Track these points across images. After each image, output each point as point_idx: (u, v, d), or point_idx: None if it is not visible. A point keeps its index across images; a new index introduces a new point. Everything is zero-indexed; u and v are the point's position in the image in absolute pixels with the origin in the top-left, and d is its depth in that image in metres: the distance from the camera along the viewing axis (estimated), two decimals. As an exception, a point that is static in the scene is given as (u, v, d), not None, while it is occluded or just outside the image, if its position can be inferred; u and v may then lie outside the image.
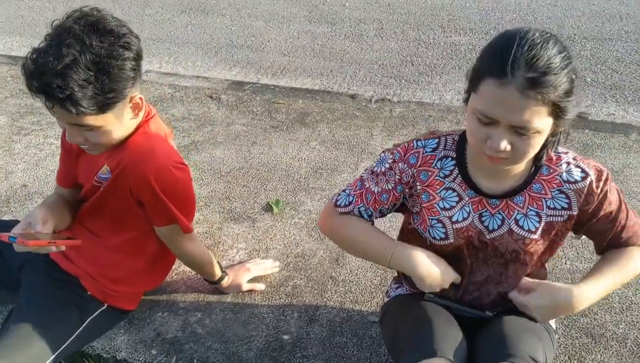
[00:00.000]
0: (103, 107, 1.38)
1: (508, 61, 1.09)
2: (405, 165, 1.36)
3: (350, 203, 1.44)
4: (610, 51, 4.16)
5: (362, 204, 1.42)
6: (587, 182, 1.29)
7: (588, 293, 1.32)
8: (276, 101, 3.30)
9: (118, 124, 1.46)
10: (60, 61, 1.29)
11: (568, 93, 1.12)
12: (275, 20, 4.97)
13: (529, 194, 1.31)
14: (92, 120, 1.39)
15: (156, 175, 1.50)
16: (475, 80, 1.17)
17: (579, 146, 2.78)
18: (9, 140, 2.90)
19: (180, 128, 3.00)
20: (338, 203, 1.46)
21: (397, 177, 1.37)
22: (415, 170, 1.35)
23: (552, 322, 1.53)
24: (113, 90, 1.37)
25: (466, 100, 1.23)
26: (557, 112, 1.13)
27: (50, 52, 1.31)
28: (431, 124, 3.04)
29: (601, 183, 1.29)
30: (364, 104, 3.28)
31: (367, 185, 1.42)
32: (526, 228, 1.32)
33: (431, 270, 1.35)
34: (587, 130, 2.92)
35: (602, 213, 1.31)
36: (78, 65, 1.31)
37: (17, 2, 5.55)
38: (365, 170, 1.45)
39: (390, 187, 1.38)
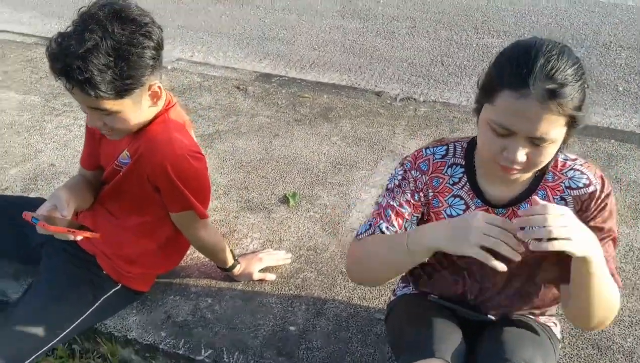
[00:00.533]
0: (121, 92, 1.42)
1: (528, 72, 1.09)
2: (418, 173, 1.36)
3: (370, 226, 1.37)
4: (646, 61, 4.07)
5: (382, 221, 1.35)
6: (589, 190, 1.27)
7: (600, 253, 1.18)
8: (301, 95, 3.33)
9: (136, 110, 1.51)
10: (82, 45, 1.34)
11: (582, 103, 1.13)
12: (308, 14, 4.99)
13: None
14: (110, 104, 1.44)
15: (173, 163, 1.54)
16: (490, 91, 1.16)
17: (604, 156, 2.73)
18: (41, 120, 2.99)
19: (206, 117, 3.06)
20: (358, 232, 1.39)
21: (412, 185, 1.36)
22: (427, 177, 1.36)
23: (557, 332, 1.52)
24: (131, 76, 1.41)
25: (477, 110, 1.23)
26: (572, 122, 1.13)
27: (74, 37, 1.37)
28: (455, 125, 3.03)
29: (603, 195, 1.28)
30: (388, 101, 3.28)
31: (385, 203, 1.37)
32: (526, 241, 1.32)
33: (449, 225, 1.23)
34: (612, 141, 2.87)
35: (591, 224, 1.27)
36: (99, 50, 1.35)
37: (58, -15, 5.70)
38: (379, 196, 1.44)
39: (408, 197, 1.36)
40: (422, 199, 1.37)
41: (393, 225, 1.34)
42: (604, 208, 1.28)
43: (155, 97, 1.54)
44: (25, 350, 1.59)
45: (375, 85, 3.71)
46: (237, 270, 1.94)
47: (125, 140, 1.64)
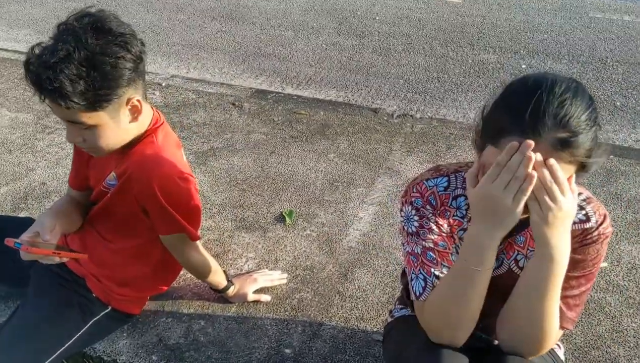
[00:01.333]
0: (94, 103, 1.38)
1: (539, 119, 1.02)
2: (430, 208, 1.30)
3: (424, 281, 1.26)
4: (643, 76, 4.07)
5: (431, 268, 1.26)
6: (585, 226, 1.22)
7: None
8: (298, 111, 3.30)
9: (115, 126, 1.46)
10: (54, 55, 1.31)
11: (593, 148, 1.06)
12: (304, 31, 4.99)
13: (530, 234, 1.26)
14: (86, 117, 1.40)
15: (161, 185, 1.50)
16: (495, 133, 1.09)
17: (602, 172, 2.70)
18: (33, 138, 2.95)
19: (200, 134, 3.02)
20: (417, 294, 1.28)
21: (432, 220, 1.29)
22: (438, 212, 1.30)
23: (561, 354, 1.48)
24: (104, 87, 1.37)
25: (477, 145, 1.16)
26: (582, 167, 1.08)
27: (48, 47, 1.34)
28: (452, 141, 3.00)
29: (597, 232, 1.22)
30: (385, 118, 3.26)
31: (420, 249, 1.28)
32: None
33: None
34: (611, 156, 2.84)
35: (572, 254, 1.18)
36: (71, 60, 1.32)
37: (54, 2, 5.70)
38: (402, 244, 1.35)
39: (437, 233, 1.29)
40: (446, 229, 1.31)
41: (445, 265, 1.26)
42: (593, 244, 1.22)
43: (135, 111, 1.49)
44: (11, 376, 1.53)
45: (372, 102, 3.69)
46: (231, 291, 1.89)
47: (113, 161, 1.60)
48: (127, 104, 1.46)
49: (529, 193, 1.05)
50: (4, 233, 1.79)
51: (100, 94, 1.37)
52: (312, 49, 4.60)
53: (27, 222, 1.87)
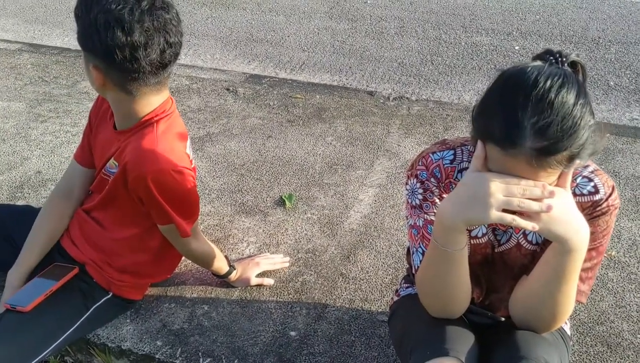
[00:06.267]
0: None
1: (513, 131, 0.99)
2: (435, 180, 1.29)
3: (423, 254, 1.29)
4: (635, 55, 4.07)
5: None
6: (595, 198, 1.21)
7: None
8: (293, 95, 3.28)
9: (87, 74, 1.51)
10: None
11: (585, 142, 1.02)
12: (296, 16, 4.94)
13: None
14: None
15: (154, 178, 1.48)
16: (480, 135, 1.09)
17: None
18: (26, 127, 2.91)
19: (195, 120, 2.99)
20: (415, 269, 1.31)
21: (436, 193, 1.29)
22: (443, 184, 1.29)
23: (567, 329, 1.48)
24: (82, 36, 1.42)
25: (473, 137, 1.15)
26: (573, 160, 1.04)
27: None
28: (449, 123, 2.99)
29: (605, 204, 1.21)
30: (381, 101, 3.24)
31: (422, 222, 1.29)
32: (534, 242, 1.27)
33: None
34: (608, 134, 2.84)
35: None
36: None
37: (40, -9, 5.61)
38: (406, 218, 1.34)
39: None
40: None
41: None
42: (603, 215, 1.21)
43: (97, 80, 1.46)
44: (16, 361, 1.51)
45: (367, 85, 3.67)
46: (234, 276, 1.88)
47: (115, 143, 1.58)
48: (88, 66, 1.47)
49: (523, 204, 1.03)
50: (3, 222, 1.79)
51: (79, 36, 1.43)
52: (305, 34, 4.57)
53: (26, 211, 1.86)
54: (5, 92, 3.29)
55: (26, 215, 1.79)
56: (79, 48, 1.45)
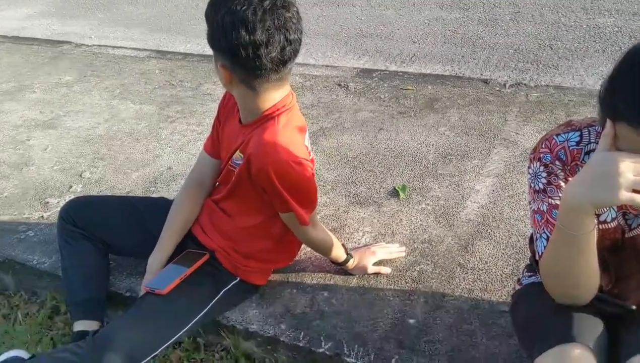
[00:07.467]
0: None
1: None
2: (560, 163, 1.24)
3: (547, 240, 1.25)
4: None
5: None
6: None
7: None
8: (404, 87, 3.27)
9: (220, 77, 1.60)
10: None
11: None
12: (405, 8, 4.92)
13: None
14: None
15: (275, 169, 1.55)
16: (611, 115, 1.05)
17: None
18: (157, 127, 3.15)
19: (309, 115, 3.08)
20: (539, 254, 1.27)
21: (561, 176, 1.24)
22: (569, 167, 1.24)
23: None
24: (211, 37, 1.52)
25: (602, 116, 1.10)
26: None
27: None
28: (571, 109, 2.84)
29: None
30: (497, 88, 3.14)
31: (546, 207, 1.25)
32: None
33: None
34: None
35: None
36: None
37: (163, 1, 6.02)
38: (529, 203, 1.31)
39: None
40: None
41: None
42: None
43: (225, 77, 1.55)
44: (154, 342, 1.65)
45: (481, 74, 3.57)
46: (351, 263, 1.92)
47: (240, 136, 1.67)
48: (220, 66, 1.55)
49: None
50: (141, 214, 1.95)
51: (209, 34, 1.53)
52: (415, 26, 4.53)
53: (160, 202, 2.01)
54: (137, 95, 3.58)
55: (161, 206, 1.94)
56: (201, 53, 1.57)
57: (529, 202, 1.32)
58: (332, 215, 2.28)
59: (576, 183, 1.10)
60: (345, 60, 4.08)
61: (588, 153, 1.23)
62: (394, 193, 2.36)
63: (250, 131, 1.64)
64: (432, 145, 2.67)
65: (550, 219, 1.24)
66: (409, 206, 2.28)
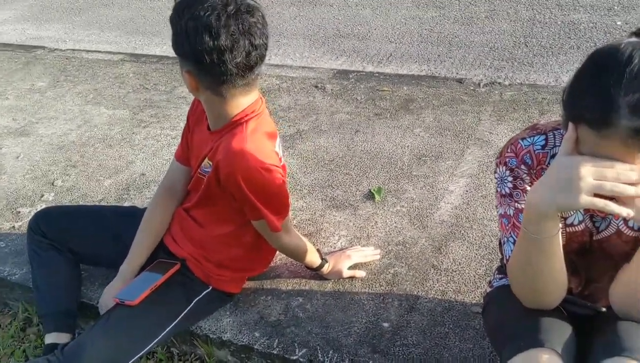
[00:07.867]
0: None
1: (607, 111, 0.95)
2: (525, 167, 1.25)
3: (514, 243, 1.26)
4: None
5: None
6: None
7: None
8: (380, 88, 3.27)
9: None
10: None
11: None
12: (382, 8, 4.92)
13: None
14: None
15: (244, 176, 1.54)
16: (572, 118, 1.05)
17: None
18: (130, 133, 3.11)
19: (286, 118, 3.07)
20: (507, 259, 1.28)
21: (527, 181, 1.25)
22: (535, 171, 1.25)
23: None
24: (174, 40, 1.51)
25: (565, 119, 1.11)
26: None
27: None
28: (545, 107, 2.86)
29: None
30: (472, 88, 3.16)
31: (512, 211, 1.26)
32: (637, 228, 1.20)
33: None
34: None
35: None
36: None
37: (139, 3, 5.96)
38: (496, 207, 1.32)
39: None
40: None
41: None
42: None
43: (190, 84, 1.55)
44: (125, 354, 1.63)
45: (457, 73, 3.59)
46: (326, 268, 1.92)
47: (209, 143, 1.66)
48: (182, 71, 1.55)
49: (616, 189, 0.99)
50: (112, 223, 1.93)
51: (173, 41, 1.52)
52: (392, 25, 4.53)
53: (132, 212, 1.99)
54: (111, 100, 3.54)
55: (132, 215, 1.92)
56: (175, 55, 1.54)
57: (496, 206, 1.33)
58: (309, 220, 2.27)
59: (539, 187, 1.11)
60: (323, 61, 4.07)
61: (553, 156, 1.24)
62: (370, 196, 2.36)
63: (219, 138, 1.62)
64: (407, 146, 2.67)
65: (516, 223, 1.25)
66: (384, 208, 2.28)
